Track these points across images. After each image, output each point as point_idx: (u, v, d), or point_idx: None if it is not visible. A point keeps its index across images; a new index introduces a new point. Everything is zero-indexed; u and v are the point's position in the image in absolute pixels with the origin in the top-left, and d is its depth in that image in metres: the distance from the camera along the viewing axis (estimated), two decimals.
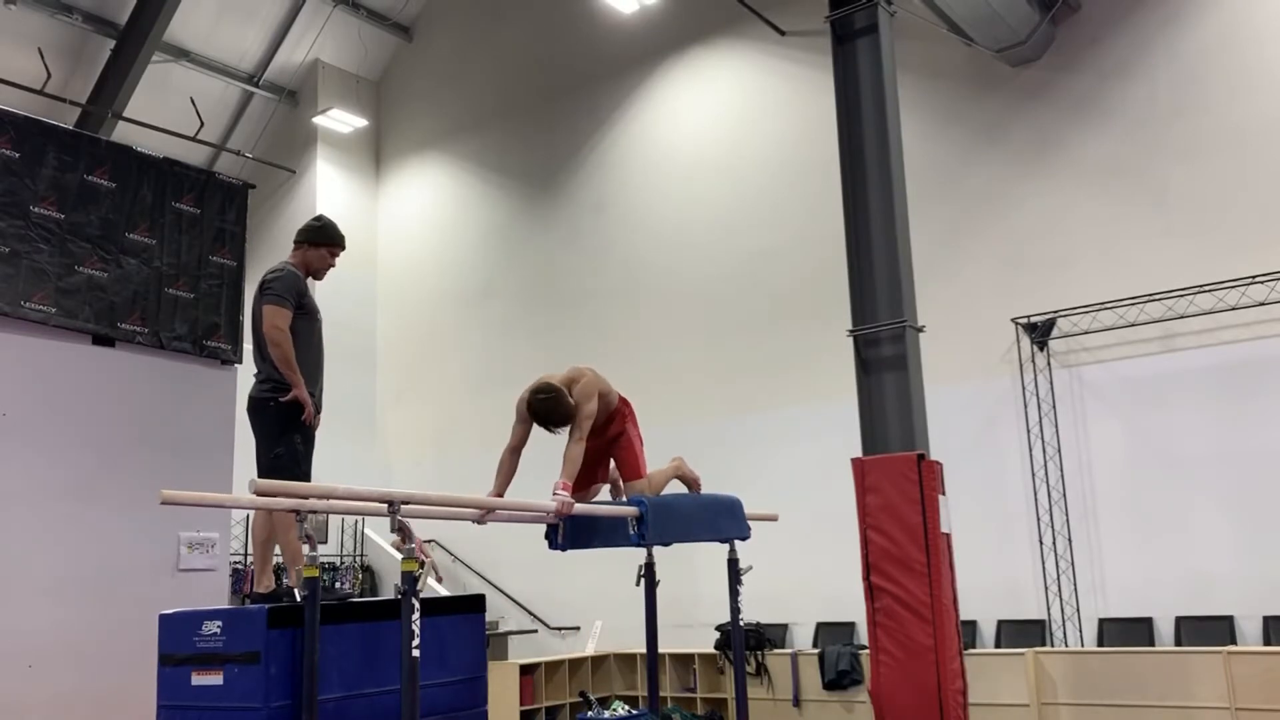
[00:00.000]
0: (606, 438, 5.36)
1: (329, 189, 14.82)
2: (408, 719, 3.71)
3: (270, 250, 14.84)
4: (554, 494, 4.70)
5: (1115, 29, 9.57)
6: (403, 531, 3.98)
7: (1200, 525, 8.57)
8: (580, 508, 4.92)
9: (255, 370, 5.05)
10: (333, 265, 5.24)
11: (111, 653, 5.45)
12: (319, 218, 5.37)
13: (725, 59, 12.13)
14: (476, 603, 4.95)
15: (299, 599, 4.47)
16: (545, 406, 4.87)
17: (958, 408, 9.30)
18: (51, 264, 5.66)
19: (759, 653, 9.51)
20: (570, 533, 5.00)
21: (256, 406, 4.94)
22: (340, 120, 14.42)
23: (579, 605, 11.56)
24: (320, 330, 5.19)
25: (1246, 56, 8.95)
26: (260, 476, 4.65)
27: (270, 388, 4.89)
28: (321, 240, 5.19)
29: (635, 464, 5.42)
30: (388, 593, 12.41)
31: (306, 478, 4.79)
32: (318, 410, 5.04)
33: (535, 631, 12.14)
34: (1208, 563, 8.48)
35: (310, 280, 5.20)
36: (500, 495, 4.81)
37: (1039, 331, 9.44)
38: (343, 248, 5.26)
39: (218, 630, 3.94)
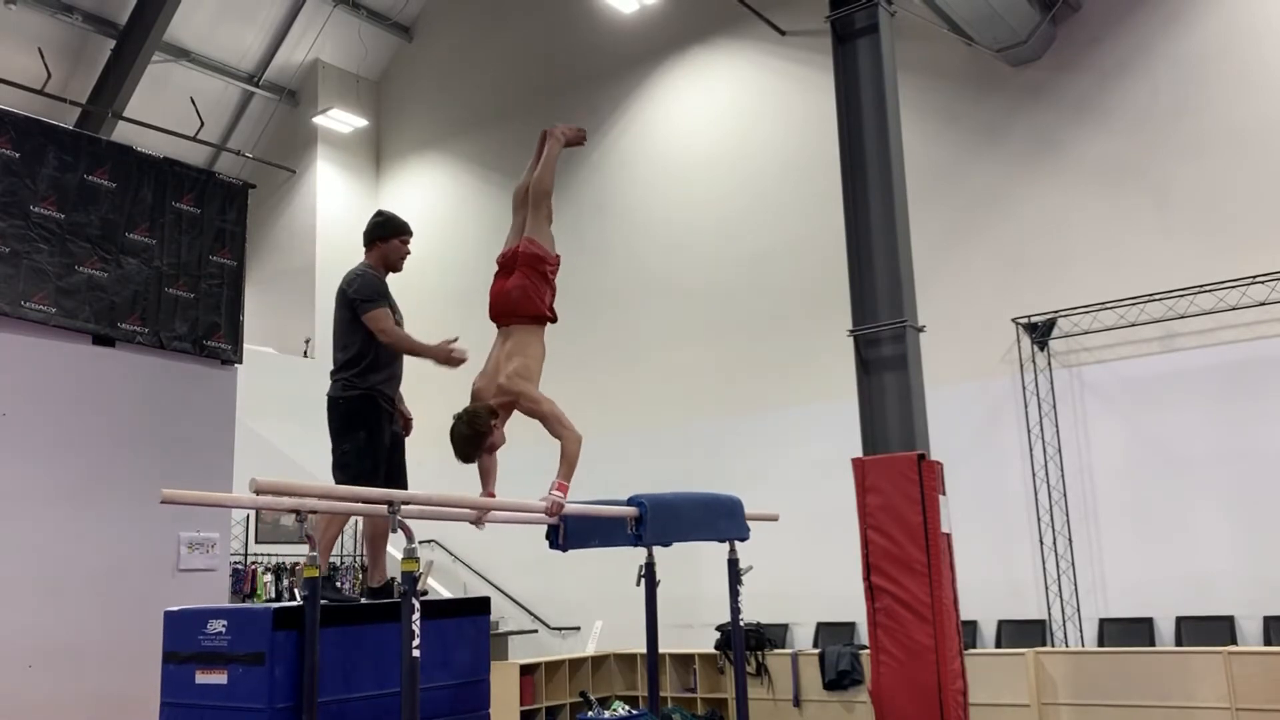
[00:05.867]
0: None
1: (329, 189, 14.81)
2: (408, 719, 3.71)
3: (270, 250, 14.92)
4: (550, 493, 4.61)
5: (1115, 29, 9.57)
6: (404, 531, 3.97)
7: (1200, 525, 8.57)
8: (579, 509, 4.90)
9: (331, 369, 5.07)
10: (408, 253, 5.34)
11: (111, 653, 5.45)
12: (379, 213, 5.44)
13: (725, 59, 12.12)
14: (480, 605, 4.95)
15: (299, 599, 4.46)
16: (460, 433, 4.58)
17: (958, 408, 9.29)
18: (51, 264, 5.66)
19: (759, 653, 9.51)
20: (571, 533, 4.99)
21: (329, 405, 4.98)
22: (340, 120, 14.41)
23: (579, 605, 11.56)
24: (400, 324, 5.19)
25: (1247, 56, 8.95)
26: (332, 472, 4.80)
27: (340, 386, 4.92)
28: (390, 233, 5.26)
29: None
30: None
31: (372, 473, 4.75)
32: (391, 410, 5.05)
33: (535, 631, 12.14)
34: (1208, 563, 8.48)
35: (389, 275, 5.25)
36: (491, 497, 4.78)
37: (1039, 331, 9.44)
38: (411, 234, 5.36)
39: (223, 629, 3.94)
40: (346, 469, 4.74)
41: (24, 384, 5.49)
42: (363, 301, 4.96)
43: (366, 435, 4.84)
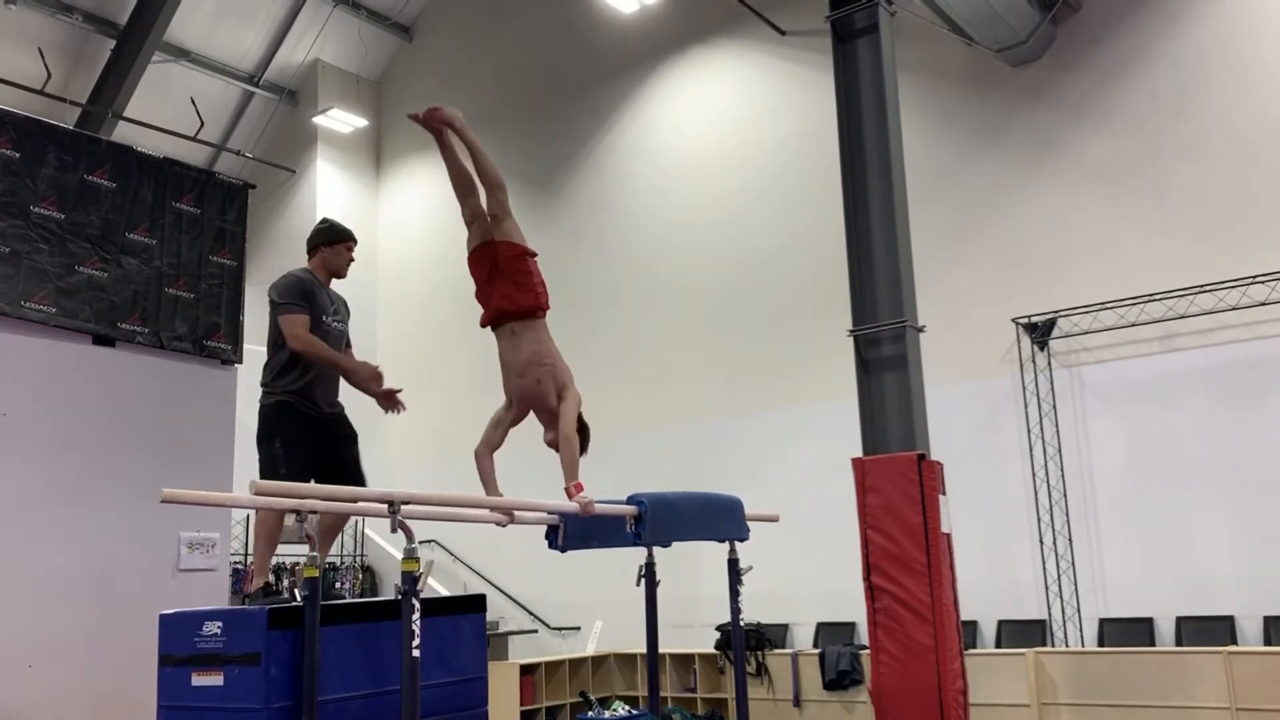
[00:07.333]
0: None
1: (329, 189, 14.81)
2: (408, 719, 3.71)
3: (270, 250, 14.91)
4: (573, 499, 4.56)
5: (1115, 29, 9.57)
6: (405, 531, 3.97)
7: (1200, 525, 8.57)
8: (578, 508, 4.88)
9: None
10: (351, 259, 5.27)
11: (111, 653, 5.45)
12: (324, 220, 5.41)
13: (725, 59, 12.13)
14: (477, 603, 4.95)
15: (299, 599, 4.46)
16: None
17: (958, 408, 9.30)
18: (51, 264, 5.66)
19: (759, 653, 9.51)
20: (570, 533, 4.98)
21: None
22: (340, 120, 14.42)
23: (579, 605, 11.56)
24: (329, 332, 5.09)
25: (1247, 56, 8.95)
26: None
27: (261, 394, 4.89)
28: (332, 239, 5.21)
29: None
30: (388, 593, 12.40)
31: (287, 481, 4.67)
32: (333, 416, 4.96)
33: (535, 631, 12.14)
34: (1208, 563, 8.48)
35: (334, 280, 5.23)
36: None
37: (1039, 331, 9.44)
38: (354, 240, 5.29)
39: (218, 631, 3.93)
40: (261, 476, 4.65)
41: (24, 384, 5.50)
42: (279, 304, 4.89)
43: (282, 443, 4.77)
